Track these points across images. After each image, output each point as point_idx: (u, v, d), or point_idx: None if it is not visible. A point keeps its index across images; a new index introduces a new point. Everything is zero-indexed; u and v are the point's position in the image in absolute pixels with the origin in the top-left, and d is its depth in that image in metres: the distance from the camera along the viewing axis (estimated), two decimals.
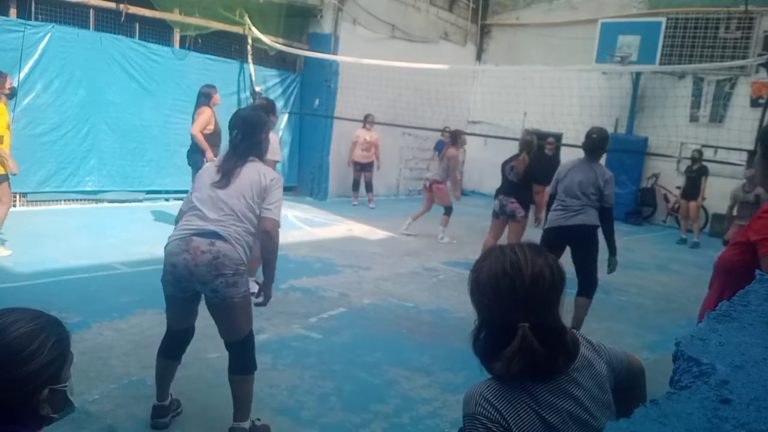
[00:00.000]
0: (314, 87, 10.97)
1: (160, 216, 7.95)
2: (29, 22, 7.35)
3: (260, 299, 2.96)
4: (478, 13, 14.74)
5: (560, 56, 12.62)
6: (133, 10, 8.40)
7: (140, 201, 8.82)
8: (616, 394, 1.37)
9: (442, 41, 13.71)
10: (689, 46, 11.95)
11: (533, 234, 6.16)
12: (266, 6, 10.00)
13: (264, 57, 10.34)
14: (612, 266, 4.76)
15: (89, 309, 4.28)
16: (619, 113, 12.83)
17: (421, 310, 5.18)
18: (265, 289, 2.93)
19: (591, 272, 4.61)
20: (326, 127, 11.01)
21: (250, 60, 9.91)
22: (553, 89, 11.34)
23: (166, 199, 9.12)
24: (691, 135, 11.54)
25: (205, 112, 6.55)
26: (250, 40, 9.85)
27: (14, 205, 7.62)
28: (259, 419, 2.96)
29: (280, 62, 10.85)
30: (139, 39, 8.66)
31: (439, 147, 12.09)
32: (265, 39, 9.86)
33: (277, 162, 6.05)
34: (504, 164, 6.44)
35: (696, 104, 12.24)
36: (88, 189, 8.26)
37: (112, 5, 8.21)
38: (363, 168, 10.89)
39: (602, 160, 6.78)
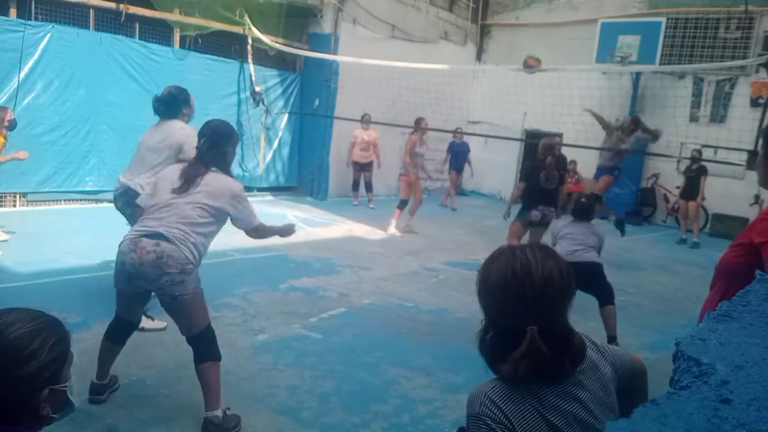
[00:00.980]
0: (314, 87, 10.98)
1: None
2: (29, 22, 7.35)
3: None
4: (478, 13, 14.75)
5: (560, 56, 12.61)
6: (133, 10, 8.40)
7: None
8: (618, 395, 1.37)
9: (442, 41, 13.71)
10: (689, 46, 11.95)
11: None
12: (266, 6, 10.00)
13: (264, 57, 10.34)
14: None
15: (89, 309, 4.28)
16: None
17: (421, 310, 5.18)
18: (282, 233, 3.33)
19: (607, 286, 4.68)
20: (326, 127, 11.01)
21: (250, 60, 9.91)
22: (553, 89, 11.34)
23: None
24: (691, 135, 11.54)
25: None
26: (250, 40, 9.85)
27: (14, 205, 7.64)
28: (229, 408, 3.00)
29: (280, 62, 10.85)
30: (139, 39, 8.66)
31: (453, 149, 12.11)
32: (265, 39, 9.87)
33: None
34: (530, 175, 6.14)
35: (696, 104, 12.24)
36: (88, 189, 8.26)
37: (112, 5, 8.21)
38: (362, 168, 10.89)
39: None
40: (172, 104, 4.29)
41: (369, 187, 10.94)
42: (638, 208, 12.80)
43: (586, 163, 11.86)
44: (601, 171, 8.47)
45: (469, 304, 5.17)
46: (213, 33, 9.49)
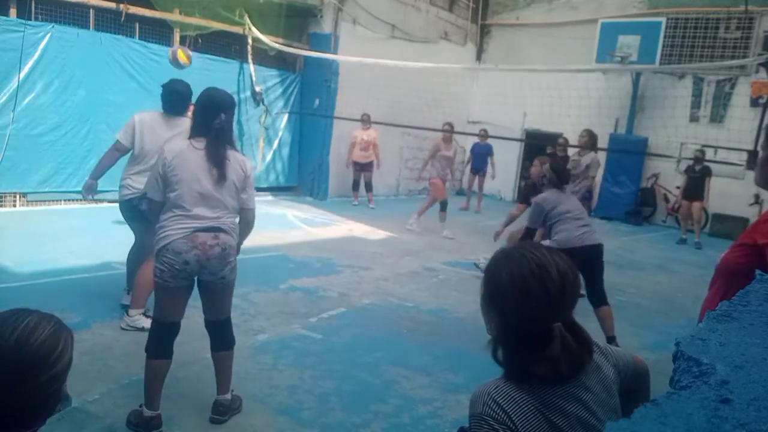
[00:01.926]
0: (314, 87, 10.97)
1: None
2: (29, 22, 7.34)
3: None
4: (478, 13, 14.75)
5: (560, 56, 12.62)
6: (133, 10, 8.40)
7: None
8: (620, 396, 1.37)
9: (442, 41, 13.71)
10: (689, 46, 11.95)
11: None
12: (266, 6, 10.00)
13: (264, 57, 10.33)
14: None
15: (89, 309, 4.28)
16: (619, 113, 12.83)
17: (421, 310, 5.17)
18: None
19: (602, 281, 4.60)
20: (326, 127, 11.01)
21: (250, 60, 9.91)
22: (552, 89, 11.35)
23: None
24: (691, 135, 11.55)
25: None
26: (250, 40, 9.85)
27: (14, 205, 7.64)
28: (233, 390, 3.13)
29: (280, 62, 10.85)
30: (139, 39, 8.65)
31: (474, 150, 12.08)
32: (265, 39, 9.86)
33: None
34: (527, 195, 6.22)
35: (696, 104, 12.24)
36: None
37: (112, 5, 8.21)
38: (362, 168, 10.89)
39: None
40: (185, 101, 4.20)
41: (369, 187, 10.94)
42: (638, 208, 12.80)
43: None
44: None
45: (469, 304, 5.17)
46: (213, 33, 9.49)
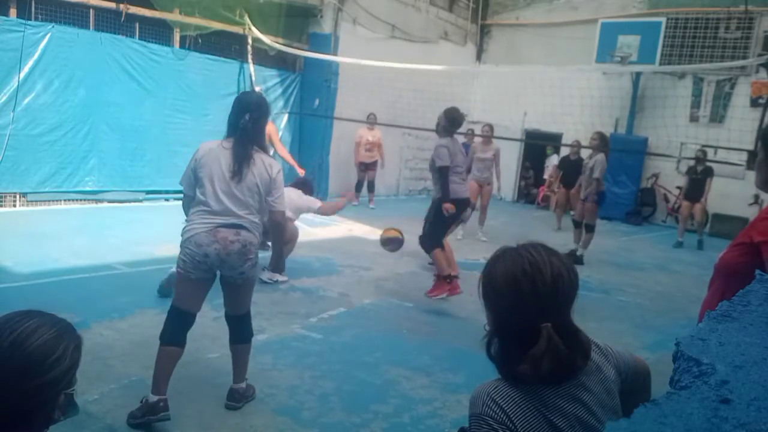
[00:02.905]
0: (314, 87, 10.97)
1: (159, 216, 7.95)
2: (29, 22, 7.35)
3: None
4: (478, 13, 14.74)
5: (560, 56, 12.61)
6: (133, 10, 8.40)
7: (140, 201, 8.82)
8: (621, 396, 1.36)
9: (442, 41, 13.70)
10: (689, 46, 11.95)
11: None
12: (266, 6, 10.00)
13: (264, 57, 10.33)
14: None
15: (89, 309, 4.27)
16: (619, 113, 12.83)
17: (421, 310, 5.17)
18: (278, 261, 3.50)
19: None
20: (326, 127, 11.01)
21: (250, 60, 9.91)
22: (553, 89, 11.34)
23: (166, 199, 9.11)
24: (691, 135, 11.55)
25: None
26: (250, 40, 9.85)
27: (14, 205, 7.64)
28: (247, 378, 3.25)
29: (280, 62, 10.85)
30: (139, 39, 8.65)
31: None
32: (265, 39, 9.86)
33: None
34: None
35: (696, 104, 12.24)
36: (88, 189, 8.26)
37: (112, 5, 8.21)
38: (367, 168, 10.89)
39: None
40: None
41: (371, 187, 10.95)
42: (638, 208, 12.80)
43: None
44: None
45: (469, 304, 5.17)
46: (213, 33, 9.49)
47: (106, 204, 8.47)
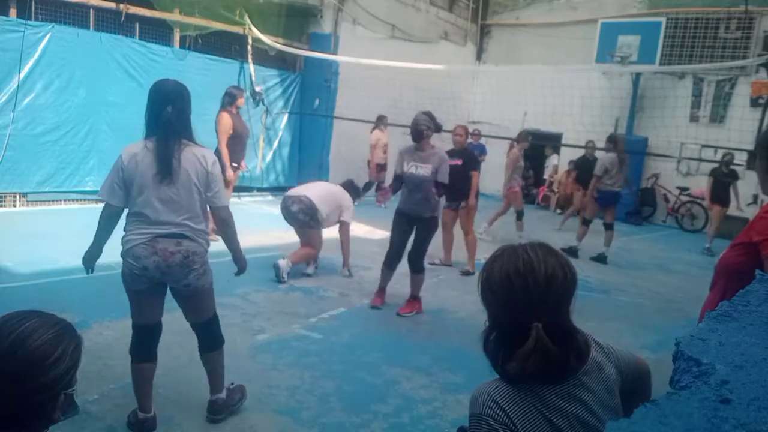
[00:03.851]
0: (314, 87, 10.97)
1: None
2: (29, 22, 7.34)
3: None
4: (478, 13, 14.75)
5: (560, 56, 12.62)
6: (133, 10, 8.40)
7: None
8: (621, 395, 1.36)
9: (442, 41, 13.71)
10: (689, 46, 11.95)
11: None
12: (266, 6, 10.00)
13: (264, 57, 10.33)
14: None
15: (89, 309, 4.27)
16: (619, 113, 12.83)
17: (422, 310, 5.17)
18: (238, 260, 3.01)
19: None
20: (326, 127, 11.01)
21: (250, 60, 9.91)
22: (553, 89, 11.35)
23: None
24: (691, 135, 11.55)
25: (224, 118, 6.66)
26: (250, 40, 9.85)
27: (14, 205, 7.64)
28: (233, 383, 3.12)
29: (280, 62, 10.85)
30: (139, 39, 8.65)
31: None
32: (265, 39, 9.86)
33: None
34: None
35: (696, 104, 12.24)
36: (88, 189, 8.25)
37: (112, 5, 8.21)
38: (382, 169, 10.90)
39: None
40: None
41: (380, 188, 10.97)
42: (638, 208, 12.79)
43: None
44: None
45: (469, 304, 5.17)
46: (213, 33, 9.49)
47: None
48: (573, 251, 7.82)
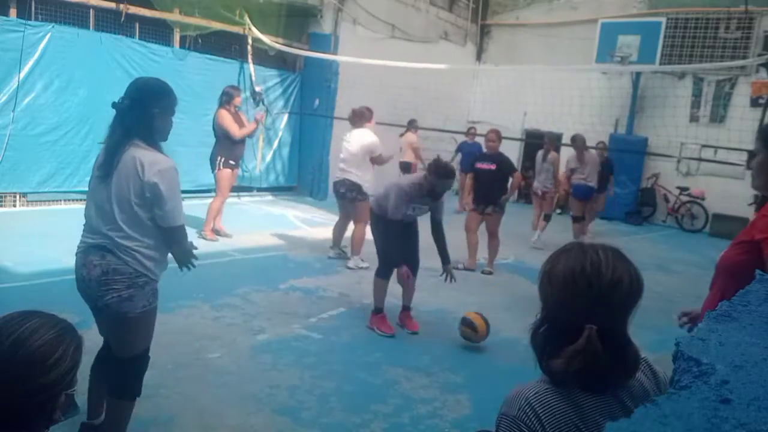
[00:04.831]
0: (314, 87, 10.97)
1: None
2: (29, 22, 7.34)
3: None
4: (478, 13, 14.75)
5: (560, 56, 12.62)
6: (133, 10, 8.40)
7: None
8: None
9: (442, 41, 13.70)
10: (689, 46, 11.95)
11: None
12: (266, 6, 10.00)
13: (264, 57, 10.33)
14: None
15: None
16: (619, 113, 12.83)
17: (421, 310, 5.17)
18: (180, 262, 2.61)
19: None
20: (326, 127, 11.01)
21: (250, 60, 9.91)
22: (553, 89, 11.35)
23: None
24: (691, 135, 11.55)
25: (223, 113, 6.83)
26: (250, 40, 9.85)
27: (14, 205, 7.64)
28: None
29: (280, 62, 10.85)
30: (139, 39, 8.65)
31: (463, 149, 11.92)
32: (265, 39, 9.86)
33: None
34: None
35: (696, 104, 12.24)
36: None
37: (112, 5, 8.21)
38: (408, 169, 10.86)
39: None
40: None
41: None
42: (638, 208, 12.79)
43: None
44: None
45: (469, 304, 5.17)
46: (213, 33, 9.49)
47: None
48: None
